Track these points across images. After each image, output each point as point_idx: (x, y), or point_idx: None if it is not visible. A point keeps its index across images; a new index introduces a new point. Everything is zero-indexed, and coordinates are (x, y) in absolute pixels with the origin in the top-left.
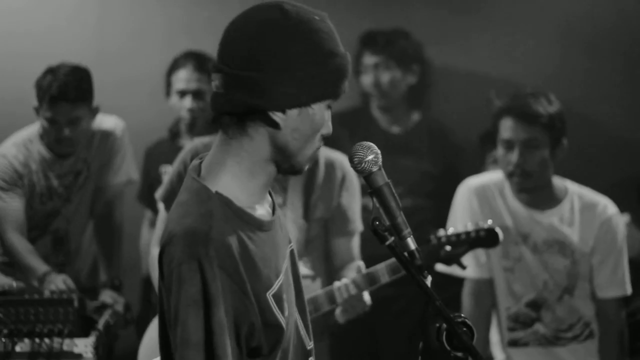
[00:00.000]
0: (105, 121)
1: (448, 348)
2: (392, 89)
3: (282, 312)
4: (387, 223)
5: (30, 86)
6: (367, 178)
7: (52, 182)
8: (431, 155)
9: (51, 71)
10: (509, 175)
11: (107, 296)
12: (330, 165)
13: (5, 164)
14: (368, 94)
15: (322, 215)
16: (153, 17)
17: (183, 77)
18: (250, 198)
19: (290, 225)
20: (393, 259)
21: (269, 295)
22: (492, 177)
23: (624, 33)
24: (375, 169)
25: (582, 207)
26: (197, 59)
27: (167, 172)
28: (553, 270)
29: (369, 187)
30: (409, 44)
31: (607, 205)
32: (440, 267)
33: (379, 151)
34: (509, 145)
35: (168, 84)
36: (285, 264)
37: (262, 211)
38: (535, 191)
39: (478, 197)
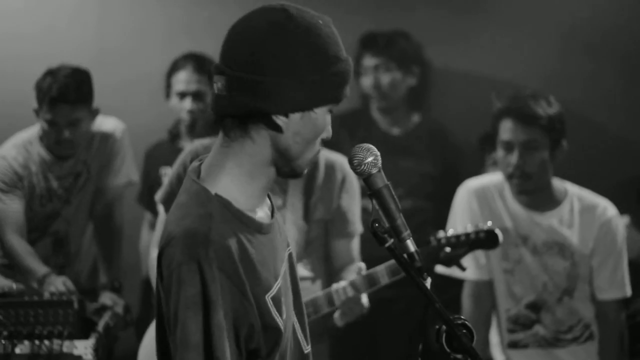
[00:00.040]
0: (105, 123)
1: (448, 350)
2: (392, 91)
3: (281, 314)
4: (387, 225)
5: (30, 88)
6: (366, 180)
7: (52, 184)
8: (431, 156)
9: (51, 73)
10: (509, 177)
11: (106, 298)
12: (331, 167)
13: (5, 165)
14: (368, 95)
15: (322, 217)
16: (153, 17)
17: (183, 79)
18: (250, 200)
19: (290, 227)
20: (393, 261)
21: (268, 297)
22: (492, 178)
23: (624, 35)
24: (374, 171)
25: (582, 209)
26: (196, 61)
27: (167, 173)
28: (553, 272)
29: (369, 189)
30: (409, 46)
31: (606, 207)
32: (440, 268)
33: (378, 153)
34: (509, 146)
35: (168, 86)
36: (284, 267)
37: (261, 214)
38: (535, 193)
39: (478, 198)
